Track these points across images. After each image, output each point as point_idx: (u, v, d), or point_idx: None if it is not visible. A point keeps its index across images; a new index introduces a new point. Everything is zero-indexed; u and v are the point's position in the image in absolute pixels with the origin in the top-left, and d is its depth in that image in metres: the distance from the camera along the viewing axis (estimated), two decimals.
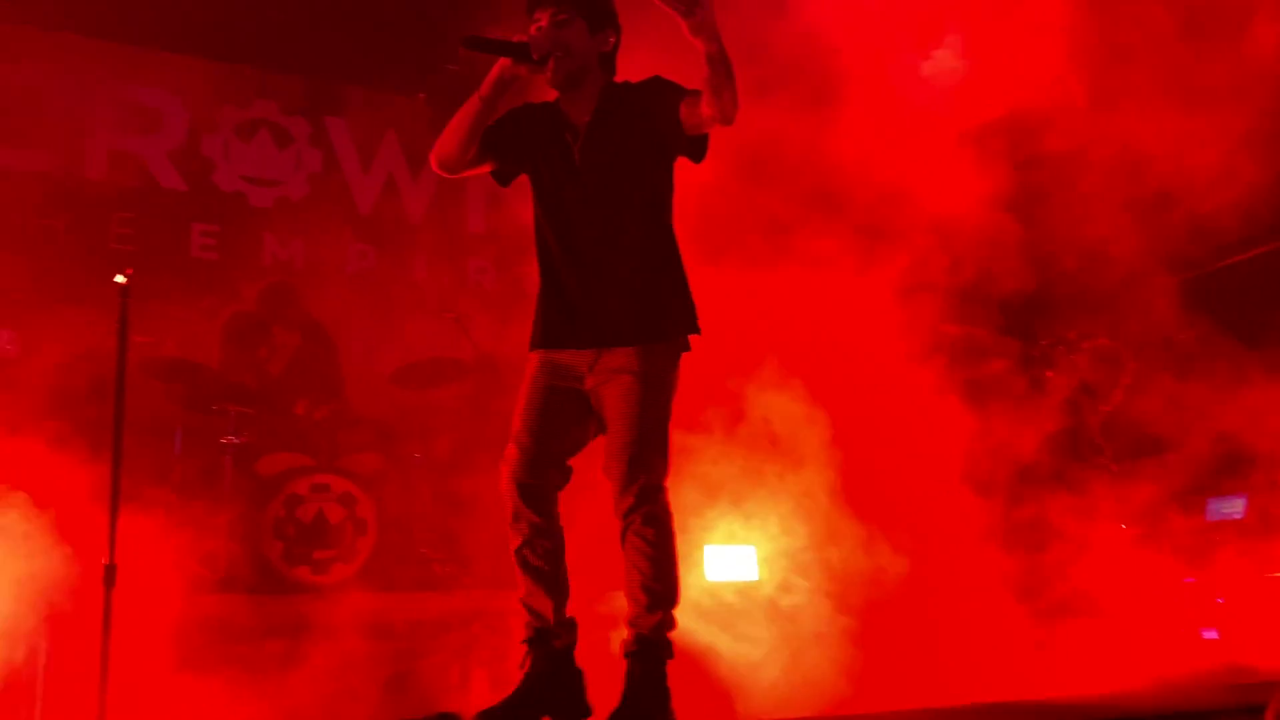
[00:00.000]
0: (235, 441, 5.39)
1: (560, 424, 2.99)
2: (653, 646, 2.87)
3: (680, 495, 4.32)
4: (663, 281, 3.07)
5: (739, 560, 4.80)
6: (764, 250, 5.08)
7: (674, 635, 2.92)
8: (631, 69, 3.17)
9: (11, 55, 6.38)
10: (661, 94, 3.01)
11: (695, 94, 2.87)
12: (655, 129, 3.01)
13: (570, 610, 2.98)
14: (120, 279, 3.51)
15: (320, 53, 6.87)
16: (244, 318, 6.29)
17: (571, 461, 3.02)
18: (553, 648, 2.91)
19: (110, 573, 3.30)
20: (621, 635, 2.94)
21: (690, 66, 2.85)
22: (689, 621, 3.67)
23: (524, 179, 3.17)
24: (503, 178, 3.18)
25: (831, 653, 4.51)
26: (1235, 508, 5.04)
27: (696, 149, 3.03)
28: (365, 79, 7.21)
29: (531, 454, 2.92)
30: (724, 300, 3.72)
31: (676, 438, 3.01)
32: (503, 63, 2.95)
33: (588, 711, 2.93)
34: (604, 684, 2.91)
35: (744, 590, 4.74)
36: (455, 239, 7.47)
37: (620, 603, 2.97)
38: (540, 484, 2.94)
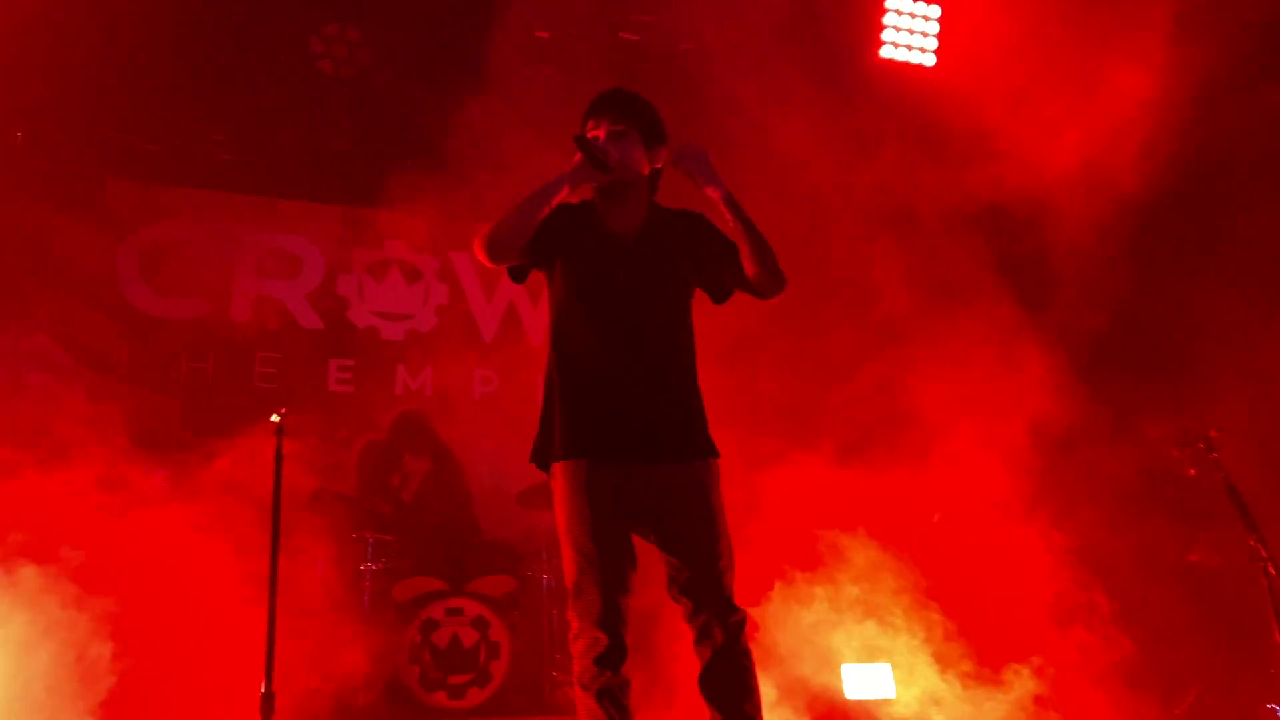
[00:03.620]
0: (373, 568, 5.55)
1: (628, 544, 2.87)
2: None
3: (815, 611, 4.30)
4: (700, 399, 3.03)
5: (876, 678, 4.68)
6: None
7: None
8: None
9: (164, 214, 6.93)
10: (710, 238, 3.03)
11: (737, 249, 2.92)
12: (698, 264, 3.03)
13: None
14: (275, 418, 3.72)
15: (444, 192, 7.23)
16: (378, 446, 6.53)
17: None
18: None
19: (268, 701, 3.41)
20: None
21: None
22: None
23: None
24: (522, 274, 3.11)
25: None
26: None
27: (722, 295, 3.10)
28: (486, 214, 7.51)
29: (613, 586, 2.78)
30: None
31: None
32: (579, 162, 2.93)
33: None
34: None
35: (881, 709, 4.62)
36: None
37: None
38: (622, 613, 2.79)
